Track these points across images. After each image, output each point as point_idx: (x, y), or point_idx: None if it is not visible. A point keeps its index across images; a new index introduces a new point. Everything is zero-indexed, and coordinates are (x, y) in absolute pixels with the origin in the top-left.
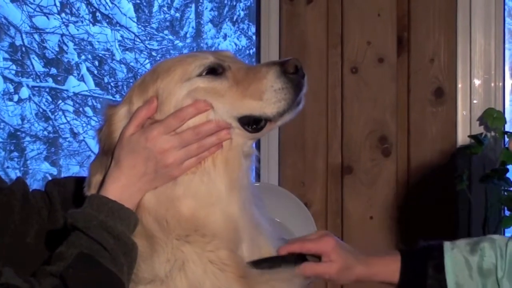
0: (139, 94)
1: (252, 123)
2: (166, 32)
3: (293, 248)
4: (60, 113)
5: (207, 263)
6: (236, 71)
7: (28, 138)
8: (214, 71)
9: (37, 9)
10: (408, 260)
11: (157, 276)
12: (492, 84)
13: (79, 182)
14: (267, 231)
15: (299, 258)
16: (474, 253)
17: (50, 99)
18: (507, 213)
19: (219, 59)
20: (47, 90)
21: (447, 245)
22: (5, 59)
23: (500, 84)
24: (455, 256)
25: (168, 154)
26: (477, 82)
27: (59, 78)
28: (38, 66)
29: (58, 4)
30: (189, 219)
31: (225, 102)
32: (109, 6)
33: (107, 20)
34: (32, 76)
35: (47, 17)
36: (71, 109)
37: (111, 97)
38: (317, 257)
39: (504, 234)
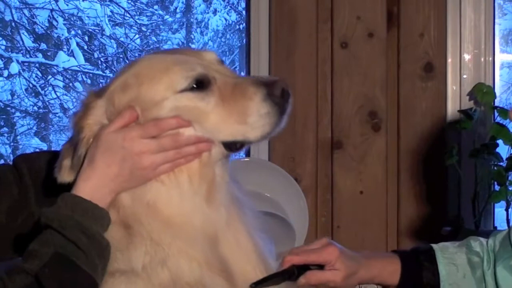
0: (121, 95)
1: (233, 145)
2: (156, 7)
3: (297, 260)
4: (50, 88)
5: (189, 260)
6: (223, 86)
7: (18, 114)
8: (200, 83)
9: None
10: (406, 259)
11: (133, 268)
12: (482, 59)
13: (50, 160)
14: (249, 223)
15: (302, 268)
16: (462, 247)
17: (40, 74)
18: (496, 187)
19: (206, 69)
20: (37, 65)
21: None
22: None
23: (490, 59)
24: (445, 248)
25: (145, 156)
26: (467, 57)
27: (49, 53)
28: (28, 41)
29: None
30: (165, 223)
31: (210, 123)
32: None
33: None
34: (22, 51)
35: None
36: (61, 84)
37: (101, 73)
38: (319, 265)
39: (493, 209)
